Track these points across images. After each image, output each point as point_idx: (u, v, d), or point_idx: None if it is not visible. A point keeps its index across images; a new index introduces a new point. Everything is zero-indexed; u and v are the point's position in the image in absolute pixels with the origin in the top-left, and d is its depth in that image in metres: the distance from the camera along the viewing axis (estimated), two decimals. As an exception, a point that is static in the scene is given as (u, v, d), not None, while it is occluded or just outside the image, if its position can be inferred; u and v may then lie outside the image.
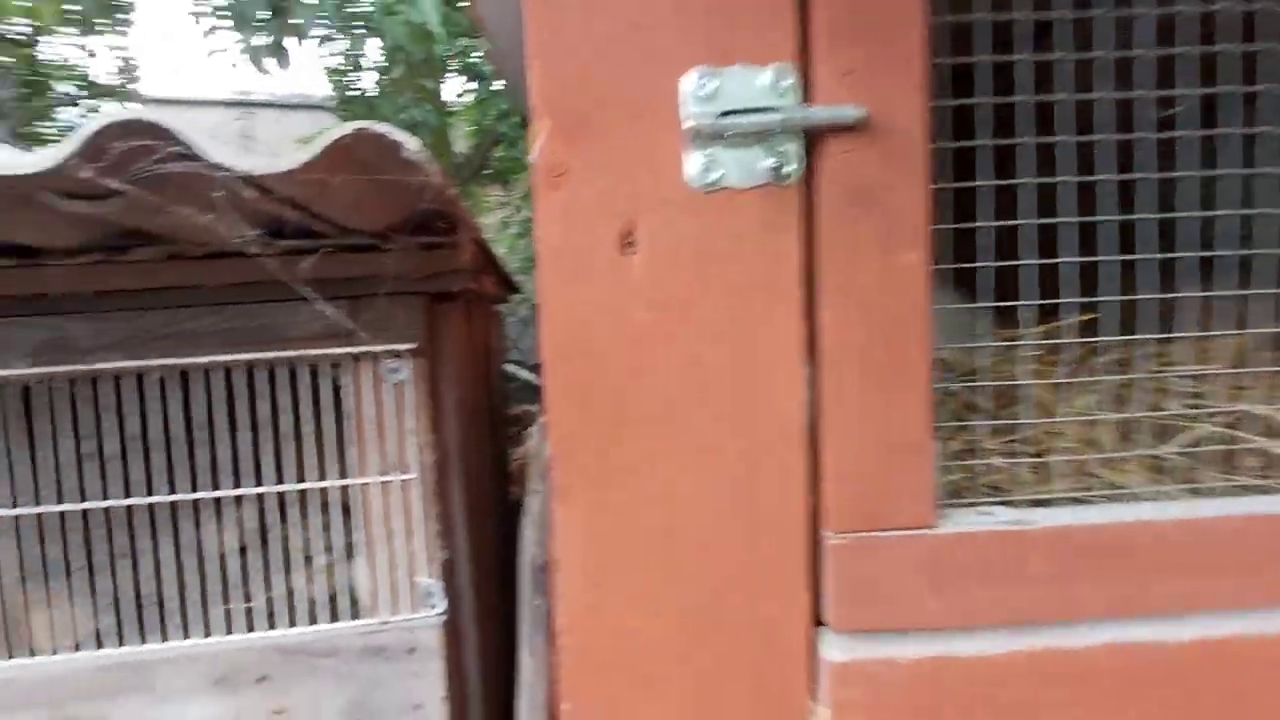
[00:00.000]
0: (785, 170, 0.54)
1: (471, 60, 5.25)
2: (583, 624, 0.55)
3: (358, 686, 1.37)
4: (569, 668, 0.55)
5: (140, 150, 0.74)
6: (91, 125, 0.73)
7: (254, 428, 1.38)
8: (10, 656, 1.33)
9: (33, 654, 1.35)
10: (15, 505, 1.32)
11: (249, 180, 0.79)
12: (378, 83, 5.15)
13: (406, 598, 1.41)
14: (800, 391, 0.57)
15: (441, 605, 1.42)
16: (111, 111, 0.71)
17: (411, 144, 0.81)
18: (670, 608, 0.56)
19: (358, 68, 5.52)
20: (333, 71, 5.69)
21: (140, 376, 1.34)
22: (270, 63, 3.57)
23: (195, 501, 1.38)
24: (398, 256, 1.35)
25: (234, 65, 3.64)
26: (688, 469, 0.56)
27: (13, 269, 1.21)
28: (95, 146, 0.73)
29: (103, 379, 1.33)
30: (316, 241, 1.26)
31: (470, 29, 4.37)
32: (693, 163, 0.53)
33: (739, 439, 0.56)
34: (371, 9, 4.37)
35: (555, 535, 0.57)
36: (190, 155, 0.75)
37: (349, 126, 0.79)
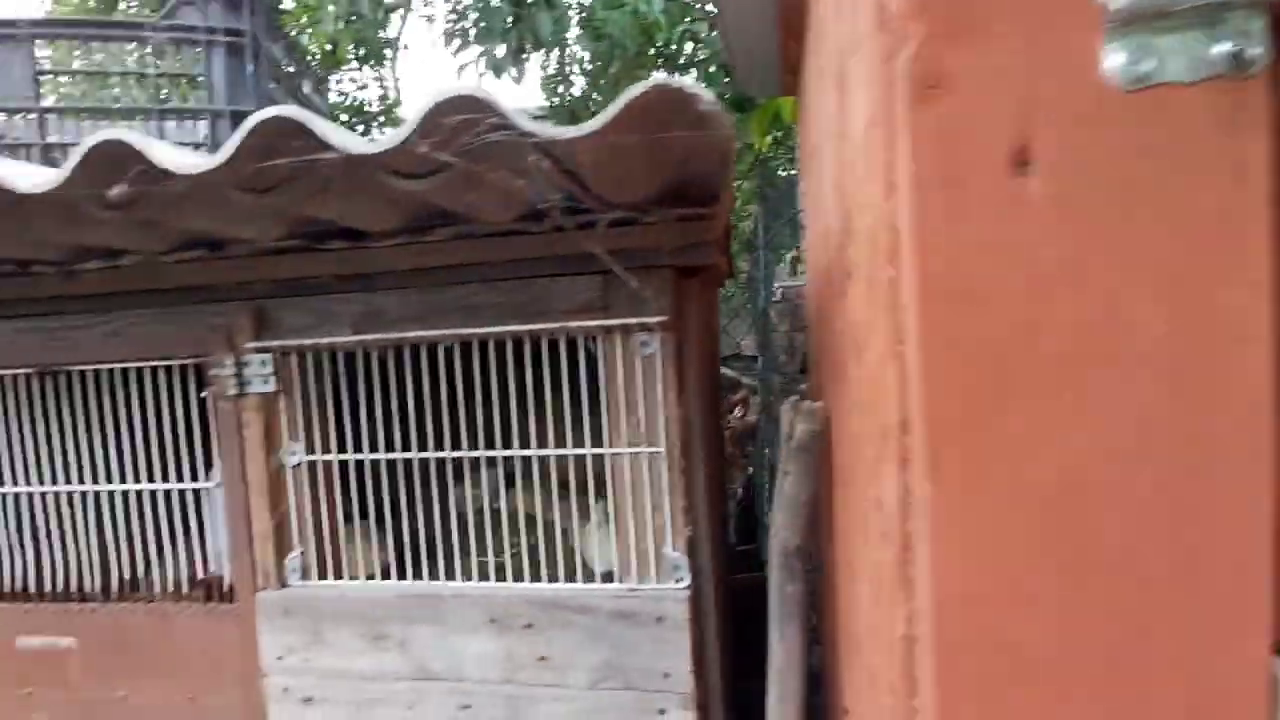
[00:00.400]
0: (1250, 55, 0.41)
1: (682, 49, 5.26)
2: (955, 620, 0.46)
3: (610, 647, 1.42)
4: (933, 668, 0.47)
5: (465, 125, 0.80)
6: (426, 104, 0.80)
7: (520, 395, 1.49)
8: (337, 578, 1.59)
9: (351, 579, 1.60)
10: (342, 452, 1.57)
11: (549, 148, 0.81)
12: (589, 84, 5.38)
13: (653, 568, 1.43)
14: (1270, 355, 0.43)
15: (687, 578, 1.42)
16: (442, 89, 0.76)
17: (707, 96, 0.77)
18: (1069, 614, 0.45)
19: (565, 76, 5.77)
20: (547, 79, 6.02)
21: (434, 346, 1.51)
22: (510, 72, 3.90)
23: (464, 460, 1.54)
24: (653, 230, 1.36)
25: (480, 77, 4.05)
26: (1102, 450, 0.44)
27: (344, 250, 1.42)
28: (430, 124, 0.80)
29: (406, 347, 1.52)
30: (586, 217, 1.31)
31: (685, 15, 4.40)
32: (1114, 55, 0.42)
33: (1179, 417, 0.43)
34: (583, 9, 4.54)
35: (914, 514, 0.49)
36: (506, 126, 0.79)
37: (646, 83, 0.78)
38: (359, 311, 1.53)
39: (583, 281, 1.44)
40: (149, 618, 1.67)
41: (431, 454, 1.54)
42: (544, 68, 5.82)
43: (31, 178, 0.97)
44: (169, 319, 1.59)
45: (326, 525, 1.60)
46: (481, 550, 1.62)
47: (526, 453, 1.50)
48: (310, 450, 1.57)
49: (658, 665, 1.41)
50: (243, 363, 1.54)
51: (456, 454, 1.53)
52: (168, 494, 1.69)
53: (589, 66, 5.24)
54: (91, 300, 1.59)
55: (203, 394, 1.60)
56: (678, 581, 1.42)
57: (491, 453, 1.52)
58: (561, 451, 1.49)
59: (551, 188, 0.90)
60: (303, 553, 1.58)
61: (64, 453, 1.73)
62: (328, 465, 1.59)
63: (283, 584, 1.58)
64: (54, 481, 1.73)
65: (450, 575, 1.59)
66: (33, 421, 1.73)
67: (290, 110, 0.83)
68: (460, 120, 0.79)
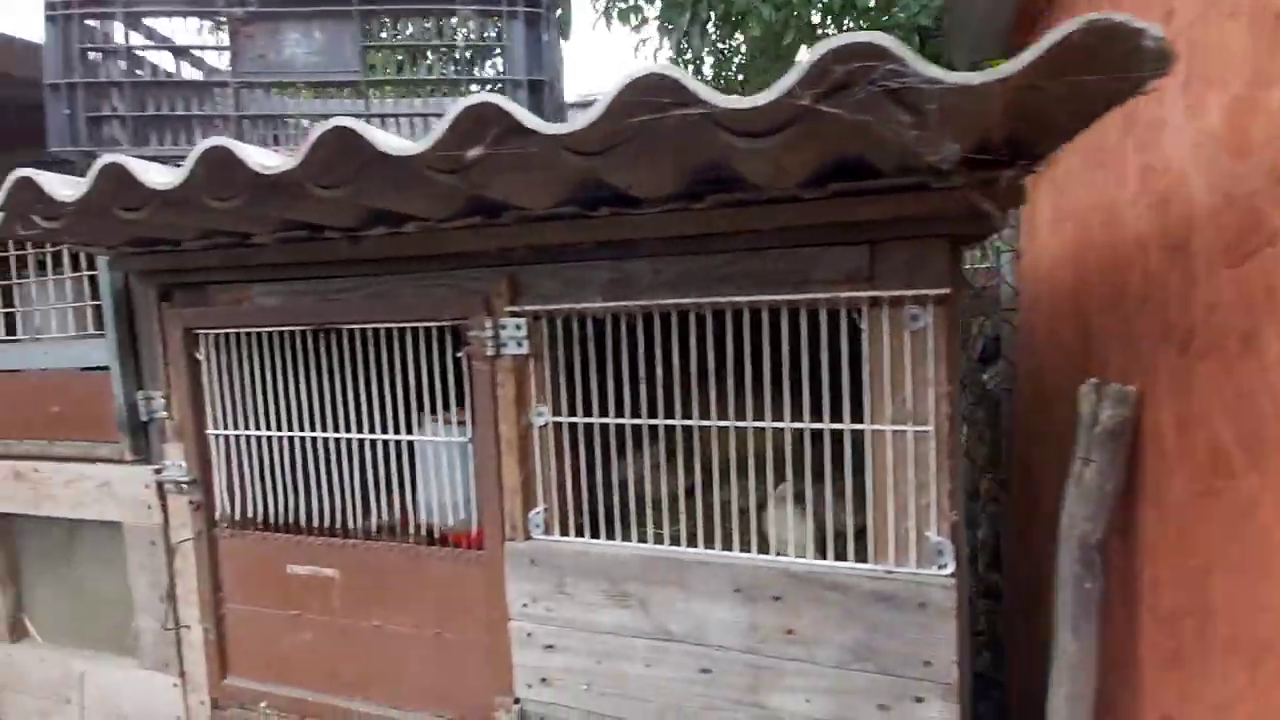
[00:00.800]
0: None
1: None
2: None
3: (864, 628, 1.38)
4: None
5: (861, 71, 0.76)
6: (818, 51, 0.76)
7: (775, 365, 1.46)
8: (578, 535, 1.65)
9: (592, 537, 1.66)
10: (587, 415, 1.62)
11: (947, 94, 0.76)
12: (756, 54, 5.28)
13: (913, 551, 1.37)
14: None
15: (951, 565, 1.35)
16: (839, 37, 0.72)
17: (1154, 30, 0.69)
18: None
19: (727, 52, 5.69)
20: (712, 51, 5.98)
21: (685, 313, 1.52)
22: (695, 46, 3.87)
23: (711, 428, 1.53)
24: (935, 196, 1.27)
25: (655, 54, 4.05)
26: None
27: (609, 217, 1.45)
28: (818, 72, 0.77)
29: (656, 314, 1.54)
30: (867, 183, 1.25)
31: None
32: None
33: None
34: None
35: None
36: (904, 73, 0.75)
37: (1078, 21, 0.70)
38: (608, 279, 1.56)
39: (850, 251, 1.38)
40: (403, 557, 1.83)
41: (679, 421, 1.55)
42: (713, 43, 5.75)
43: (391, 140, 1.04)
44: (432, 283, 1.70)
45: (570, 484, 1.67)
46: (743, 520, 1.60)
47: (779, 425, 1.48)
48: (556, 412, 1.64)
49: (918, 652, 1.35)
50: (500, 326, 1.62)
51: (704, 423, 1.53)
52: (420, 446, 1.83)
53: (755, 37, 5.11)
54: (364, 264, 1.73)
55: (458, 354, 1.71)
56: (940, 568, 1.35)
57: (741, 423, 1.51)
58: (817, 425, 1.45)
59: (941, 137, 0.84)
60: (545, 509, 1.66)
61: (334, 403, 1.91)
62: (572, 427, 1.65)
63: (528, 536, 1.66)
64: (324, 429, 1.92)
65: (713, 544, 1.60)
66: (308, 374, 1.92)
67: (666, 68, 0.83)
68: (856, 67, 0.75)
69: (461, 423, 1.74)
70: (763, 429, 1.50)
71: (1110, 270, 1.56)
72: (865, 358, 1.38)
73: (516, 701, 1.70)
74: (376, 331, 1.83)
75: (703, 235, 1.43)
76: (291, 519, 1.96)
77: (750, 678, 1.48)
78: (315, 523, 1.94)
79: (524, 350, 1.61)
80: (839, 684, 1.41)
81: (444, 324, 1.71)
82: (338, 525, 1.93)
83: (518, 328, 1.61)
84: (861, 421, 1.40)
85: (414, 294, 1.73)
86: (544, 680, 1.67)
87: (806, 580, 1.43)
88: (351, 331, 1.86)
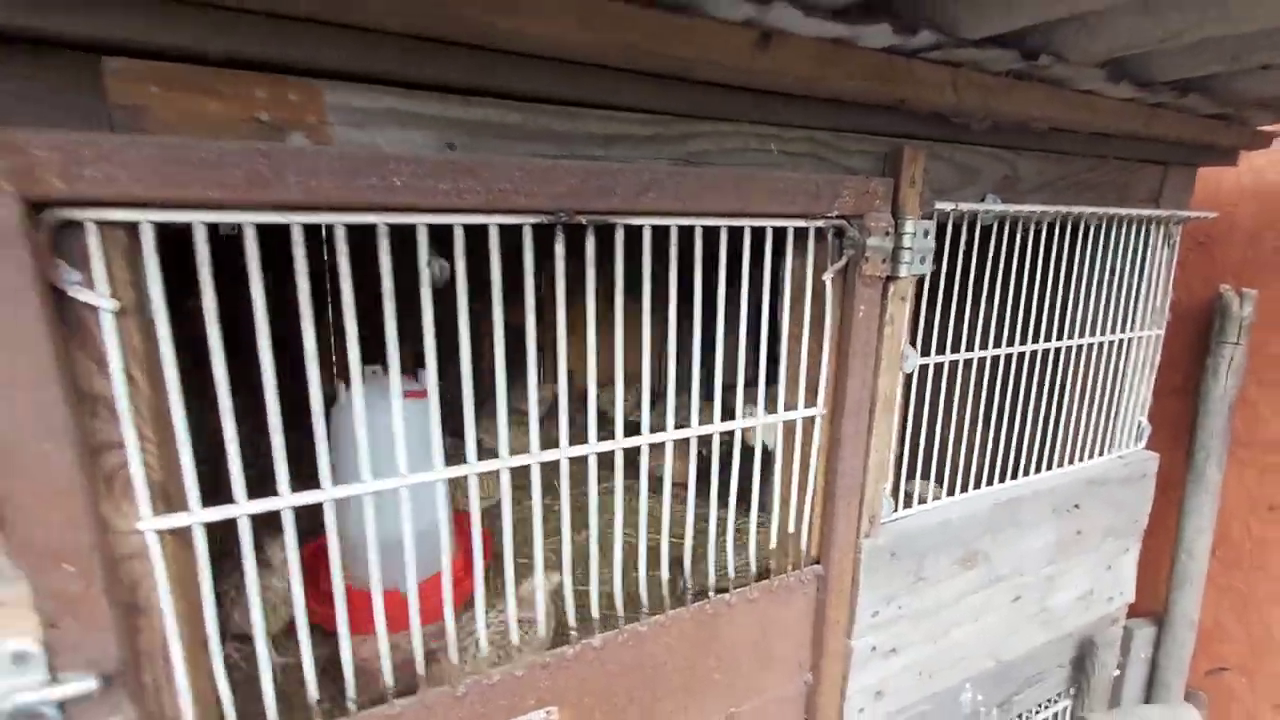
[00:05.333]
0: None
1: None
2: None
3: (1112, 507, 1.60)
4: None
5: None
6: None
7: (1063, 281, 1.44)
8: (928, 503, 1.30)
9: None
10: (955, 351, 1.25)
11: None
12: None
13: (1130, 436, 1.64)
14: None
15: (1146, 437, 1.67)
16: None
17: None
18: None
19: None
20: None
21: (1050, 224, 1.31)
22: None
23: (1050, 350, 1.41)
24: (1213, 123, 1.46)
25: None
26: None
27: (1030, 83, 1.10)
28: None
29: (1026, 220, 1.28)
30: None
31: None
32: None
33: None
34: None
35: None
36: None
37: None
38: (1002, 174, 1.21)
39: (1152, 170, 1.46)
40: (678, 631, 1.06)
41: (1018, 348, 1.36)
42: None
43: None
44: (808, 151, 0.95)
45: (939, 438, 1.28)
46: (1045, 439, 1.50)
47: (1062, 343, 1.48)
48: (925, 352, 1.21)
49: (1134, 514, 1.65)
50: (903, 230, 1.06)
51: (1034, 346, 1.39)
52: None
53: None
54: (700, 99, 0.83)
55: (825, 275, 1.04)
56: (1138, 442, 1.67)
57: (1044, 345, 1.44)
58: (1089, 341, 1.51)
59: None
60: (893, 482, 1.24)
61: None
62: (939, 369, 1.24)
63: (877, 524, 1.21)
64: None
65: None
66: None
67: None
68: None
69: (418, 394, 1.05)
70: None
71: None
72: (1128, 272, 1.52)
73: (840, 738, 1.29)
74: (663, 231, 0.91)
75: (1077, 131, 1.26)
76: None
77: (1045, 588, 1.53)
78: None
79: (927, 268, 1.11)
80: (1097, 560, 1.61)
81: (789, 223, 0.99)
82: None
83: (923, 234, 1.09)
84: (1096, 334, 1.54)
85: (767, 167, 0.94)
86: (878, 694, 1.31)
87: (1095, 482, 1.54)
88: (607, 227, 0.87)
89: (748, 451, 1.24)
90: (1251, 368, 1.75)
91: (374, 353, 0.85)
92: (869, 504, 1.18)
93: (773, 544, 1.16)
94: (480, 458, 0.84)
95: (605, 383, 1.86)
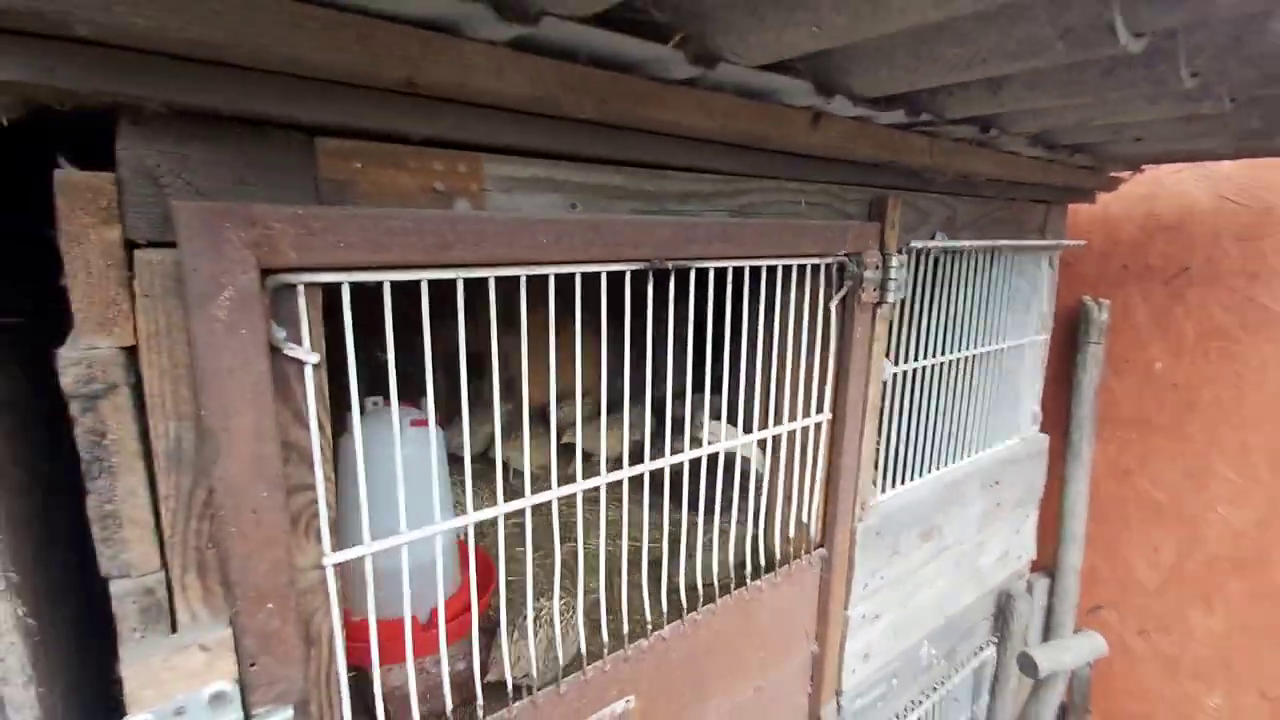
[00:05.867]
0: None
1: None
2: None
3: (1023, 481, 1.94)
4: None
5: None
6: None
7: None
8: (897, 488, 1.53)
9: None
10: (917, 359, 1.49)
11: None
12: None
13: (1029, 421, 2.00)
14: None
15: (1039, 423, 2.04)
16: None
17: None
18: None
19: None
20: None
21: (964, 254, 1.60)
22: None
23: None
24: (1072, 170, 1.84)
25: None
26: None
27: (970, 142, 1.39)
28: None
29: (946, 254, 1.56)
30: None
31: None
32: None
33: None
34: None
35: None
36: None
37: None
38: (944, 215, 1.48)
39: (1041, 208, 1.81)
40: (727, 616, 1.22)
41: (960, 354, 1.64)
42: None
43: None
44: (825, 201, 1.14)
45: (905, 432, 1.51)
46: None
47: (989, 348, 1.79)
48: (896, 362, 1.44)
49: (1036, 485, 2.02)
50: (889, 264, 1.29)
51: (969, 352, 1.68)
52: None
53: None
54: (748, 160, 0.99)
55: (833, 298, 1.24)
56: (1034, 426, 2.04)
57: (976, 350, 1.74)
58: (1000, 346, 1.84)
59: None
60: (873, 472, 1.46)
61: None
62: (897, 377, 1.48)
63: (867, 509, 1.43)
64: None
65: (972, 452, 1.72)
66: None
67: None
68: None
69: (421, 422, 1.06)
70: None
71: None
72: (1019, 289, 1.87)
73: (839, 693, 1.49)
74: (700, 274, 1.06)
75: (999, 180, 1.56)
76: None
77: (976, 553, 1.83)
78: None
79: (902, 294, 1.34)
80: (1009, 526, 1.95)
81: (810, 260, 1.19)
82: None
83: (901, 266, 1.32)
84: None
85: (791, 216, 1.12)
86: (866, 657, 1.53)
87: (1008, 461, 1.87)
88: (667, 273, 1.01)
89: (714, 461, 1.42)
90: (1108, 361, 2.19)
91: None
92: (861, 492, 1.40)
93: (776, 538, 1.34)
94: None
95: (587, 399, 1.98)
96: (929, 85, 0.88)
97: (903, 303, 1.44)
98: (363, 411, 1.08)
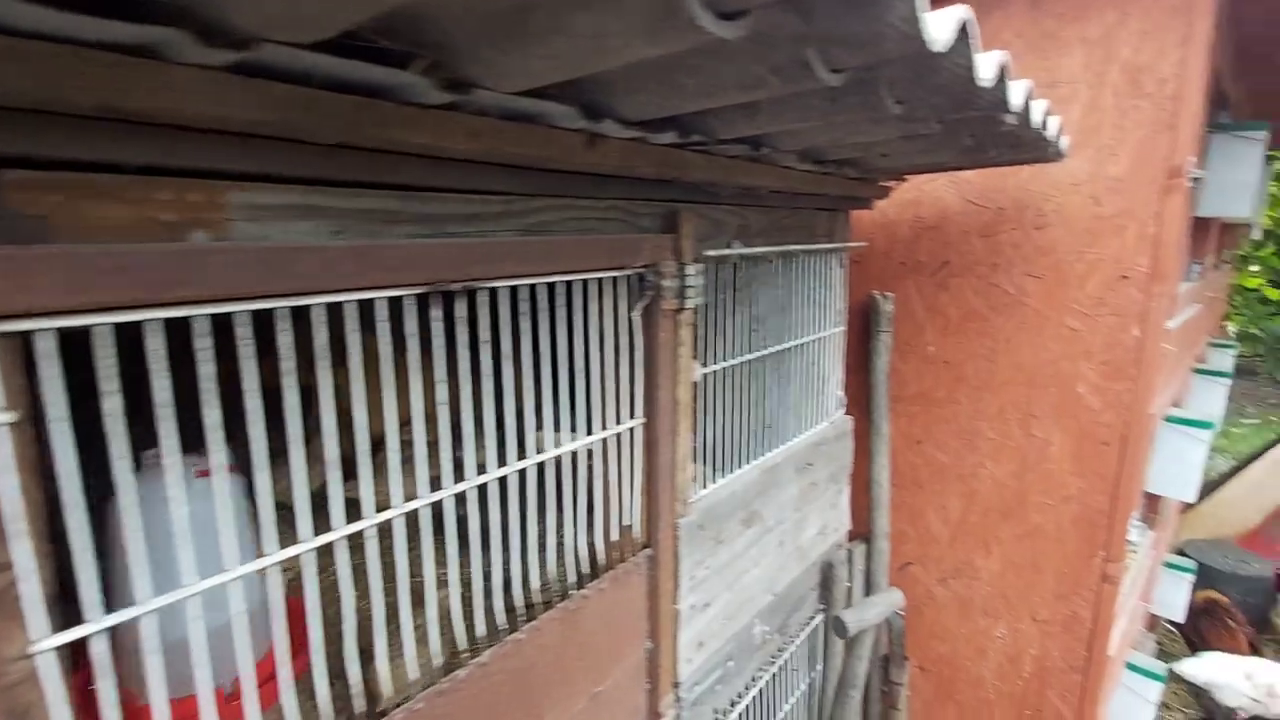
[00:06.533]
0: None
1: None
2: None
3: (831, 459, 2.15)
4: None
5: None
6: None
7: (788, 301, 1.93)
8: (717, 480, 1.63)
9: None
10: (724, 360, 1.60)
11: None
12: None
13: (831, 406, 2.22)
14: None
15: (843, 407, 2.27)
16: None
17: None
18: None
19: None
20: None
21: (766, 258, 1.75)
22: None
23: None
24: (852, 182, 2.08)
25: None
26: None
27: (758, 159, 1.53)
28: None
29: (750, 260, 1.69)
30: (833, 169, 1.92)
31: None
32: None
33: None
34: None
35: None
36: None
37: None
38: (738, 224, 1.60)
39: (825, 215, 2.01)
40: (554, 630, 1.23)
41: (765, 351, 1.78)
42: None
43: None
44: (616, 216, 1.19)
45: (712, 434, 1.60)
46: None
47: (793, 343, 1.97)
48: (705, 363, 1.54)
49: (845, 463, 2.24)
50: (685, 273, 1.37)
51: (776, 348, 1.83)
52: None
53: None
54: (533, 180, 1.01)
55: (633, 310, 1.29)
56: (839, 410, 2.26)
57: (781, 346, 1.90)
58: (802, 340, 2.03)
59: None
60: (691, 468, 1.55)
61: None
62: (709, 377, 1.58)
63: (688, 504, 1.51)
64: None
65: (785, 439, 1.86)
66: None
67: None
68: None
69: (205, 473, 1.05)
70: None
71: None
72: (814, 286, 2.08)
73: (676, 685, 1.56)
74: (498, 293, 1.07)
75: (788, 193, 1.73)
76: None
77: (796, 531, 2.00)
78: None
79: (702, 299, 1.43)
80: (828, 498, 2.14)
81: (608, 274, 1.24)
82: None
83: (698, 274, 1.41)
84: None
85: (586, 231, 1.16)
86: (700, 644, 1.61)
87: (818, 443, 2.05)
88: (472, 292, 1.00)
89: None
90: (895, 346, 2.49)
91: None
92: (680, 490, 1.48)
93: (599, 545, 1.38)
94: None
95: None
96: (686, 110, 0.95)
97: (707, 307, 1.55)
98: (138, 466, 0.98)
